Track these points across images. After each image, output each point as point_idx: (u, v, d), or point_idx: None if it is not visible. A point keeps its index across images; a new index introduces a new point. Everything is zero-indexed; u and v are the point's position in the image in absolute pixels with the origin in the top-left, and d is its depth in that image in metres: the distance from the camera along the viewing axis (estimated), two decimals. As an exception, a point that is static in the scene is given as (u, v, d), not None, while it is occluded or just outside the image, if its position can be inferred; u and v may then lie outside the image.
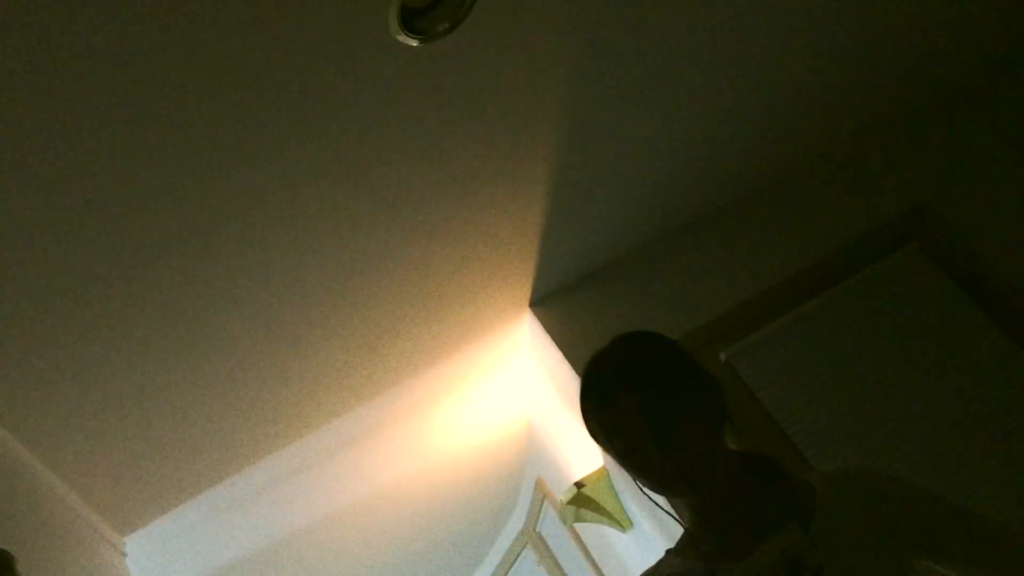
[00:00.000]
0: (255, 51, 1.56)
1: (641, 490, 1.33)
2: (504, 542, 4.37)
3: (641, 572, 1.37)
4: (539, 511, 4.07)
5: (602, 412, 1.30)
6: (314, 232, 2.01)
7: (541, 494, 3.93)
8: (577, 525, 3.48)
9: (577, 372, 2.68)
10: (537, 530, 4.18)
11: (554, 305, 2.82)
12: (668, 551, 1.36)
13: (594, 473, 2.97)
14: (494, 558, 4.43)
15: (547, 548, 4.16)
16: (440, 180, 2.09)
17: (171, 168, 1.66)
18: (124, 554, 2.52)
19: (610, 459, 2.78)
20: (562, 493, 3.12)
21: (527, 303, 2.79)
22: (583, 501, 2.99)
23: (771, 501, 1.31)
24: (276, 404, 2.47)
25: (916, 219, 2.88)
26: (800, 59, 2.46)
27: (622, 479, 2.83)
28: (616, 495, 2.98)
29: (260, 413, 2.48)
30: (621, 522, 3.03)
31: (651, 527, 2.75)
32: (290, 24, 1.55)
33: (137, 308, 1.90)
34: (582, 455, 3.05)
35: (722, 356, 2.73)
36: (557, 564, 4.10)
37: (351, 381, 2.57)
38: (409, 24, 1.71)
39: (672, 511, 1.49)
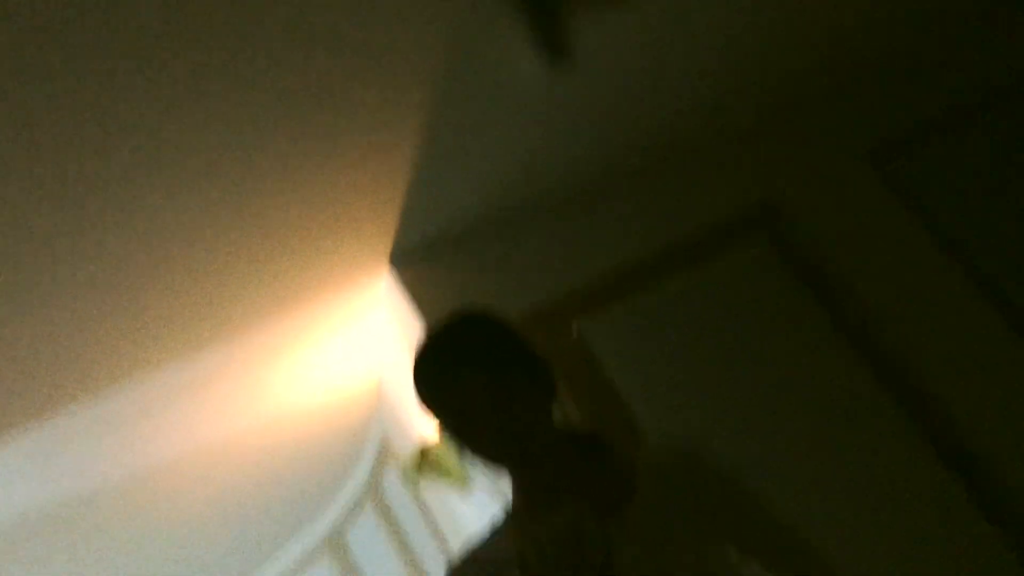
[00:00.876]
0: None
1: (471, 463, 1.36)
2: (344, 500, 4.34)
3: (467, 544, 1.39)
4: (382, 471, 4.06)
5: (434, 387, 1.34)
6: (167, 166, 1.90)
7: (385, 454, 3.92)
8: (419, 485, 3.49)
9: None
10: (379, 490, 4.17)
11: (414, 264, 2.79)
12: (491, 529, 1.38)
13: (438, 436, 2.98)
14: (333, 515, 4.40)
15: (388, 508, 4.16)
16: (304, 111, 1.99)
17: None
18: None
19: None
20: (406, 454, 3.12)
21: (386, 259, 2.74)
22: (426, 464, 2.99)
23: (591, 477, 1.34)
24: (110, 339, 2.34)
25: (769, 215, 2.99)
26: (668, 44, 2.50)
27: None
28: (458, 460, 3.00)
29: (93, 346, 2.35)
30: (462, 486, 3.06)
31: (489, 492, 2.78)
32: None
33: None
34: (431, 422, 3.04)
35: (575, 328, 2.77)
36: (397, 524, 4.11)
37: (191, 324, 2.46)
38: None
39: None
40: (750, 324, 2.87)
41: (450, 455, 3.00)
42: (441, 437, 2.97)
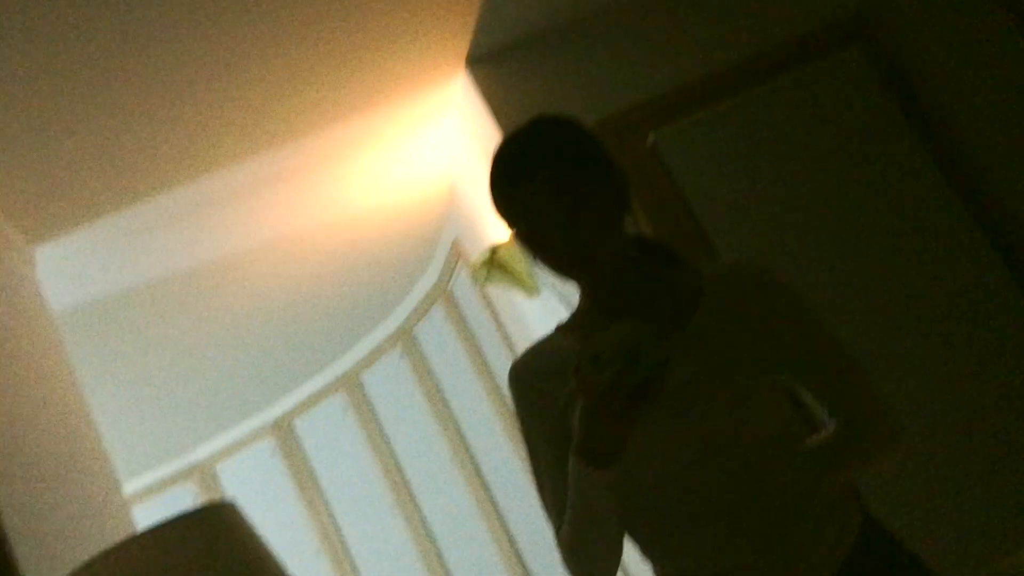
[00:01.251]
0: None
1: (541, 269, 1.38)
2: (416, 296, 4.50)
3: (533, 342, 1.44)
4: (453, 270, 4.17)
5: (508, 189, 1.34)
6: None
7: (457, 254, 4.01)
8: (488, 287, 3.59)
9: (504, 132, 2.66)
10: (449, 288, 4.30)
11: (491, 66, 2.75)
12: (557, 326, 1.43)
13: (509, 239, 3.03)
14: (404, 310, 4.58)
15: (456, 306, 4.31)
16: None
17: None
18: (33, 264, 2.50)
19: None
20: (477, 255, 3.19)
21: (463, 60, 2.70)
22: (496, 264, 3.06)
23: (660, 289, 1.37)
24: (195, 129, 2.40)
25: (859, 22, 2.84)
26: None
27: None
28: (527, 262, 3.06)
29: (181, 136, 2.41)
30: (530, 288, 3.14)
31: (557, 296, 2.85)
32: None
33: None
34: (499, 223, 3.08)
35: (650, 138, 2.74)
36: (465, 322, 4.27)
37: (269, 119, 2.50)
38: None
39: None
40: (832, 140, 2.80)
41: (520, 259, 3.06)
42: (512, 241, 3.02)
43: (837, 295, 2.62)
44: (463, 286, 4.16)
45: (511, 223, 1.37)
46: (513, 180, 1.33)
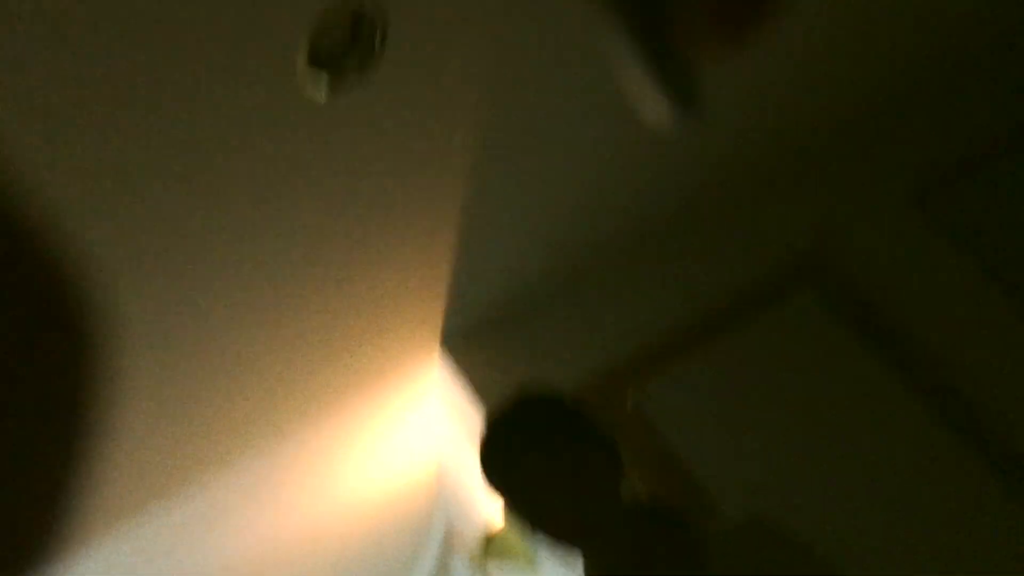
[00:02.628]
0: (152, 89, 1.53)
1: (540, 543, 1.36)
2: (414, 590, 4.30)
3: None
4: (449, 557, 4.02)
5: (500, 471, 1.35)
6: (218, 272, 1.97)
7: (451, 540, 3.89)
8: (487, 571, 3.45)
9: (486, 416, 2.67)
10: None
11: (465, 345, 2.82)
12: None
13: (504, 518, 2.96)
14: (403, 607, 4.35)
15: (457, 596, 4.11)
16: (349, 218, 2.07)
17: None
18: None
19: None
20: (472, 540, 3.09)
21: (437, 342, 2.77)
22: (492, 548, 2.97)
23: (666, 556, 1.34)
24: (172, 451, 2.39)
25: (813, 264, 2.98)
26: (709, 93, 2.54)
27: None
28: (524, 541, 2.97)
29: (158, 458, 2.40)
30: (530, 567, 3.02)
31: (558, 572, 2.74)
32: (199, 81, 1.53)
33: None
34: (493, 505, 3.03)
35: (629, 397, 2.77)
36: (467, 612, 4.05)
37: (251, 428, 2.51)
38: (319, 62, 1.71)
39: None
40: (803, 375, 2.85)
41: (517, 538, 2.97)
42: (507, 520, 2.95)
43: (835, 528, 2.56)
44: (461, 570, 3.99)
45: (506, 501, 1.35)
46: (503, 459, 1.34)
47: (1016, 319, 2.87)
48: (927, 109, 3.27)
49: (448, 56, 1.87)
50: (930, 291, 2.94)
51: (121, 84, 1.49)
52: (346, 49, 1.76)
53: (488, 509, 3.10)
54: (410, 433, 3.17)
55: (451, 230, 2.34)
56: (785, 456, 2.71)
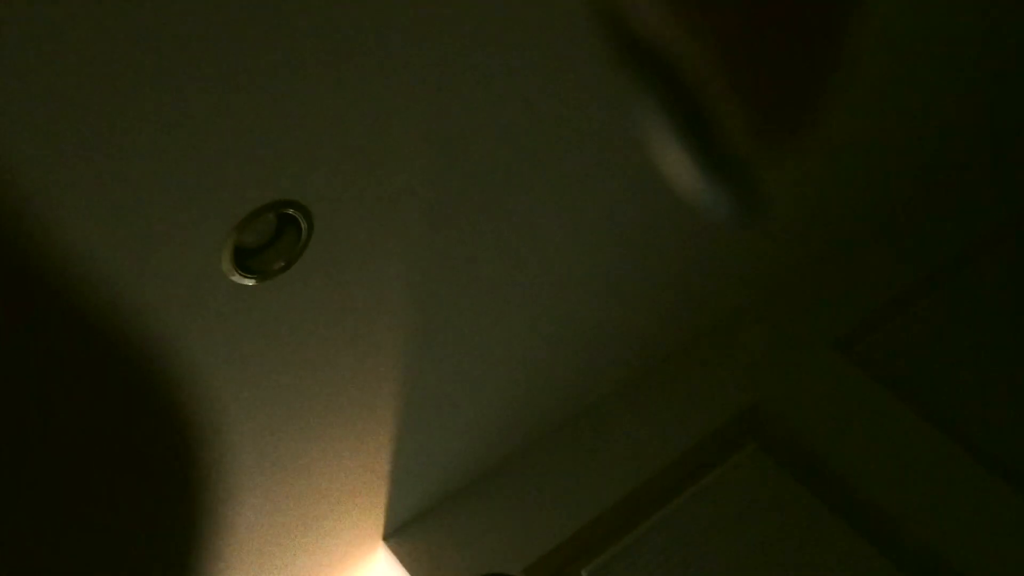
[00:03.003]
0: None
1: None
2: None
3: None
4: None
5: None
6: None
7: None
8: None
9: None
10: None
11: (408, 535, 2.72)
12: None
13: None
14: None
15: None
16: (282, 416, 2.03)
17: None
18: None
19: None
20: None
21: (380, 535, 2.67)
22: None
23: None
24: None
25: (751, 419, 3.00)
26: (631, 274, 2.61)
27: None
28: None
29: None
30: None
31: None
32: (124, 274, 1.52)
33: None
34: None
35: (583, 574, 2.68)
36: None
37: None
38: (243, 264, 1.72)
39: None
40: (753, 530, 2.81)
41: None
42: None
43: None
44: None
45: None
46: None
47: (946, 453, 2.91)
48: (843, 262, 3.42)
49: (374, 239, 1.90)
50: (862, 430, 2.98)
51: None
52: (269, 247, 1.77)
53: None
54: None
55: (387, 426, 2.31)
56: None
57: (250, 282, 1.74)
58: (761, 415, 3.01)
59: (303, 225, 1.73)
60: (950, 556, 2.67)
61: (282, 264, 1.76)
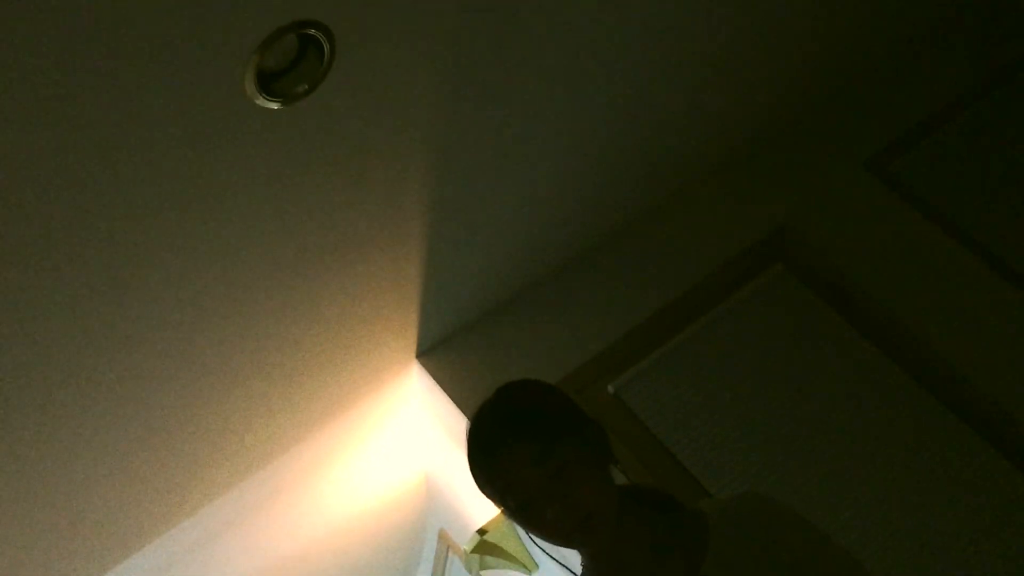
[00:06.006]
0: (101, 125, 1.52)
1: (536, 544, 1.33)
2: (413, 598, 4.29)
3: None
4: (444, 563, 4.02)
5: (489, 468, 1.31)
6: (186, 305, 1.95)
7: (445, 545, 3.88)
8: (483, 573, 3.45)
9: (466, 415, 2.67)
10: (445, 582, 4.13)
11: (441, 353, 2.81)
12: None
13: (496, 518, 2.96)
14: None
15: (457, 599, 4.11)
16: (311, 244, 2.06)
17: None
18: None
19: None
20: (466, 542, 3.09)
21: (413, 354, 2.77)
22: (487, 548, 2.97)
23: (664, 539, 1.32)
24: (162, 482, 2.37)
25: (778, 240, 3.00)
26: (650, 96, 2.56)
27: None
28: (519, 539, 2.98)
29: (145, 491, 2.38)
30: (527, 566, 3.02)
31: (557, 568, 2.75)
32: (141, 94, 1.52)
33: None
34: (483, 501, 3.03)
35: (610, 389, 2.78)
36: (468, 614, 4.05)
37: (237, 453, 2.50)
38: (267, 87, 1.70)
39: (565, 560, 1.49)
40: (778, 350, 2.86)
41: (511, 537, 2.98)
42: (499, 520, 2.95)
43: (828, 505, 2.59)
44: (459, 574, 4.00)
45: (498, 500, 1.33)
46: (492, 458, 1.30)
47: (976, 274, 2.90)
48: (872, 82, 3.31)
49: (398, 69, 1.87)
50: (892, 251, 2.97)
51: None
52: (292, 70, 1.75)
53: (480, 511, 3.10)
54: (395, 445, 3.17)
55: (416, 248, 2.33)
56: (771, 434, 2.73)
57: (275, 105, 1.72)
58: (788, 235, 3.01)
59: (325, 47, 1.69)
60: (977, 375, 2.71)
61: (305, 87, 1.74)
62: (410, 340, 2.68)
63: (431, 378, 2.77)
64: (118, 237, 1.70)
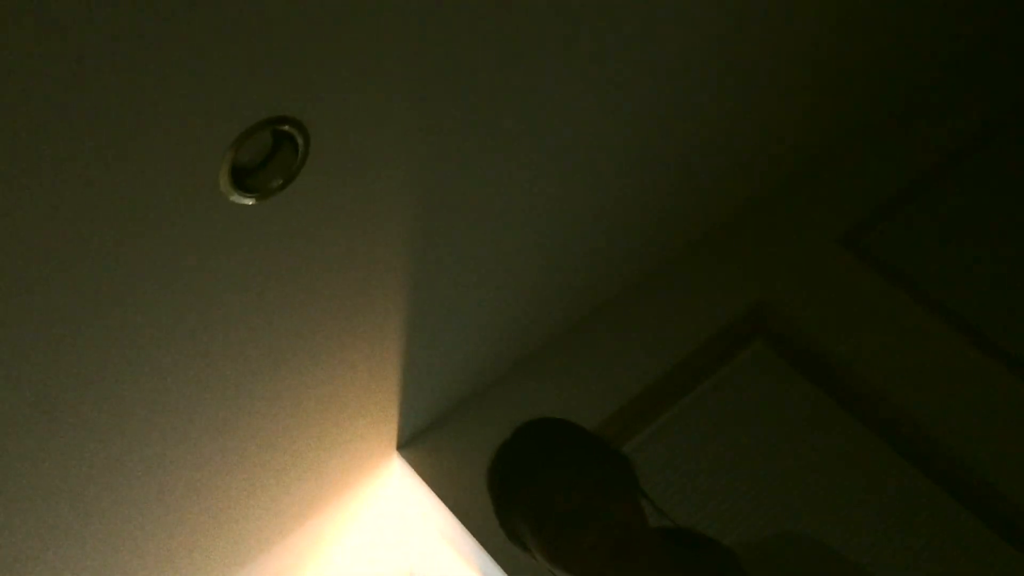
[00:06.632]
0: (78, 230, 1.49)
1: None
2: None
3: None
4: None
5: (525, 498, 1.24)
6: (156, 404, 1.90)
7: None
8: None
9: (452, 511, 2.61)
10: None
11: (422, 444, 2.76)
12: None
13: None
14: None
15: None
16: (290, 334, 2.03)
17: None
18: None
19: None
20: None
21: (394, 446, 2.71)
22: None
23: (700, 572, 1.27)
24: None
25: (757, 316, 3.01)
26: (628, 174, 2.58)
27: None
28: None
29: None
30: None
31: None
32: (117, 194, 1.50)
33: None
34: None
35: (596, 474, 2.73)
36: None
37: (213, 554, 2.41)
38: (242, 184, 1.69)
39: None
40: (763, 422, 2.86)
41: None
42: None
43: None
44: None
45: (535, 531, 1.24)
46: (525, 487, 1.24)
47: (954, 346, 2.93)
48: (844, 160, 3.38)
49: (373, 152, 1.87)
50: (867, 322, 2.99)
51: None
52: (267, 164, 1.74)
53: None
54: (377, 542, 3.08)
55: (394, 337, 2.31)
56: (756, 509, 2.69)
57: (250, 201, 1.71)
58: (767, 312, 3.02)
59: (299, 140, 1.69)
60: (960, 448, 2.71)
61: (280, 182, 1.73)
62: (391, 432, 2.62)
63: (412, 470, 2.71)
64: (74, 338, 1.66)
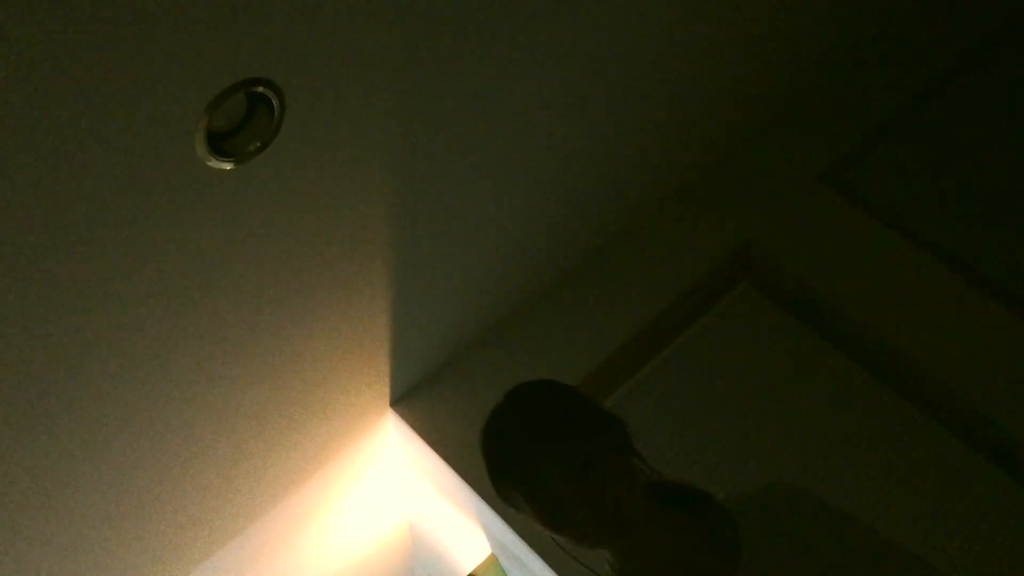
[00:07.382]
0: (54, 204, 1.48)
1: (564, 550, 1.28)
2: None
3: None
4: (435, 611, 3.94)
5: (516, 474, 1.26)
6: (147, 368, 1.90)
7: (434, 594, 3.81)
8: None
9: (448, 462, 2.64)
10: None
11: (415, 399, 2.78)
12: None
13: (483, 563, 2.92)
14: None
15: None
16: (274, 301, 2.03)
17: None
18: None
19: (498, 544, 2.73)
20: (454, 588, 3.04)
21: (387, 403, 2.73)
22: (478, 592, 2.92)
23: (694, 537, 1.29)
24: (136, 555, 2.30)
25: (741, 259, 3.02)
26: (614, 117, 2.57)
27: (513, 564, 2.79)
28: (508, 578, 2.93)
29: (122, 567, 2.31)
30: (518, 606, 2.97)
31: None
32: (92, 166, 1.48)
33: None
34: (469, 546, 2.99)
35: (588, 421, 2.76)
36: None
37: (213, 521, 2.43)
38: (218, 148, 1.67)
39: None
40: (750, 369, 2.88)
41: (499, 574, 2.93)
42: (489, 563, 2.90)
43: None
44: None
45: (525, 506, 1.27)
46: (516, 464, 1.25)
47: (939, 278, 2.94)
48: (821, 96, 3.36)
49: (351, 113, 1.85)
50: (851, 259, 2.99)
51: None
52: (243, 128, 1.72)
53: (466, 555, 3.05)
54: (375, 497, 3.11)
55: (380, 298, 2.30)
56: (750, 453, 2.73)
57: (228, 166, 1.70)
58: (751, 253, 3.02)
59: (275, 103, 1.67)
60: (952, 380, 2.73)
61: (257, 144, 1.71)
62: (383, 389, 2.64)
63: (406, 425, 2.73)
64: (57, 314, 1.66)
